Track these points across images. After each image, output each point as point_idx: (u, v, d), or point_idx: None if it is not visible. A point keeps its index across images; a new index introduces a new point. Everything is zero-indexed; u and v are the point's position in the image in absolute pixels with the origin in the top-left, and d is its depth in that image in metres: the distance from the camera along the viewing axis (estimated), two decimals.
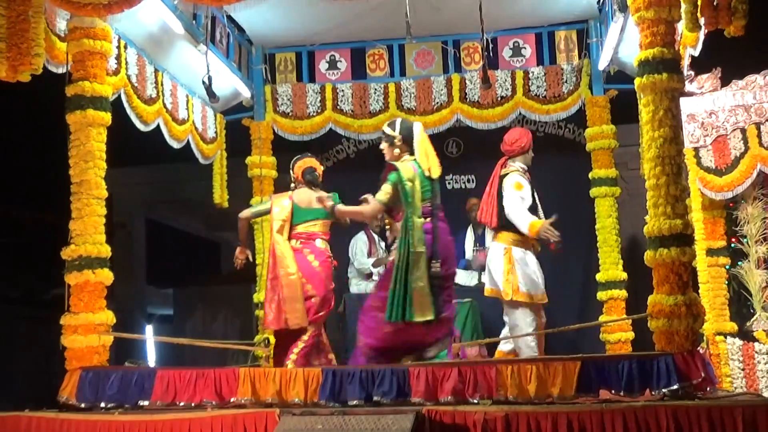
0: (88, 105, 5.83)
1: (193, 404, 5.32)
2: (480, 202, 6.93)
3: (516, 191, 6.56)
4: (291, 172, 6.71)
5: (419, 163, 5.80)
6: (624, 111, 8.24)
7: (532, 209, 6.59)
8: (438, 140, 9.43)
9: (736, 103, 6.90)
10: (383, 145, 6.00)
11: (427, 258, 5.63)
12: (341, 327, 8.61)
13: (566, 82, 8.61)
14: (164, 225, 14.63)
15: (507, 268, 6.55)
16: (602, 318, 8.18)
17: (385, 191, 5.78)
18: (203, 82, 7.05)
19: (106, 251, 5.84)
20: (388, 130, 5.97)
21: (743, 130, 6.88)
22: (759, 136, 6.80)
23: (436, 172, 5.84)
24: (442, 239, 5.78)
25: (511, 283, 6.53)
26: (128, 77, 6.64)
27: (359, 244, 9.20)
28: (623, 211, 8.86)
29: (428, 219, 5.74)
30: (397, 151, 5.88)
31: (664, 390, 4.79)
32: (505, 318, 6.66)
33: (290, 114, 8.91)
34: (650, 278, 5.23)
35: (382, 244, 8.16)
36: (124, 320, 9.39)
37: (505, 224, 6.61)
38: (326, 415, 4.81)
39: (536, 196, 6.68)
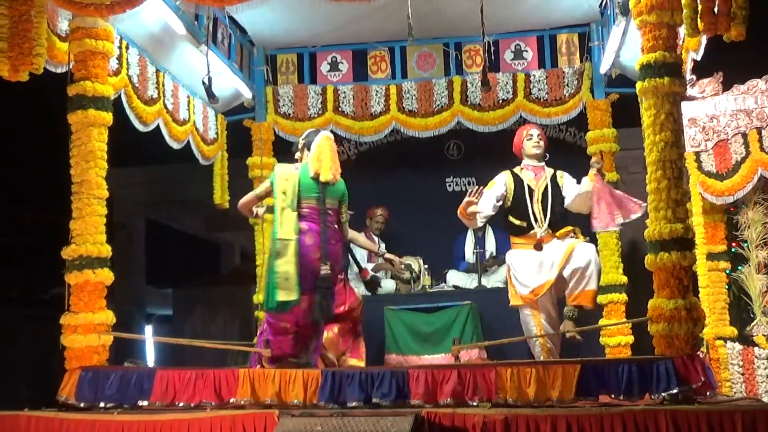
0: (89, 105, 5.83)
1: (192, 405, 5.32)
2: None
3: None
4: None
5: (307, 165, 5.98)
6: (625, 114, 8.24)
7: (515, 209, 6.72)
8: (439, 142, 9.51)
9: (738, 108, 6.91)
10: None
11: (312, 259, 5.75)
12: None
13: (567, 85, 8.61)
14: (164, 225, 14.64)
15: (507, 276, 6.80)
16: (602, 321, 8.17)
17: (262, 184, 6.16)
18: (203, 83, 7.05)
19: (106, 251, 5.84)
20: (297, 138, 6.43)
21: (744, 135, 6.89)
22: (760, 140, 6.81)
23: (325, 176, 5.92)
24: (330, 245, 5.88)
25: (509, 289, 6.76)
26: (129, 77, 6.64)
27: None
28: None
29: (310, 219, 5.85)
30: (298, 154, 6.22)
31: (663, 394, 4.79)
32: None
33: (291, 115, 8.91)
34: (650, 282, 5.23)
35: (383, 246, 8.16)
36: (124, 320, 9.38)
37: (506, 229, 6.80)
38: (325, 417, 4.80)
39: (529, 193, 6.74)
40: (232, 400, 5.30)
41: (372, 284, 6.52)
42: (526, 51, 8.73)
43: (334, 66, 8.96)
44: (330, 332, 6.13)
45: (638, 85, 5.36)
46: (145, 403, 5.42)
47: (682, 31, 5.38)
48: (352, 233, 6.39)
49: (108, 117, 5.95)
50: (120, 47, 6.46)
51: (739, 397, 6.28)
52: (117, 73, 6.42)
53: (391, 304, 8.46)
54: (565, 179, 6.86)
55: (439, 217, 9.35)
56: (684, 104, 6.68)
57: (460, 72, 8.79)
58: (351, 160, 9.94)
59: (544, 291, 6.58)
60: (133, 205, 13.07)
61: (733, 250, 7.22)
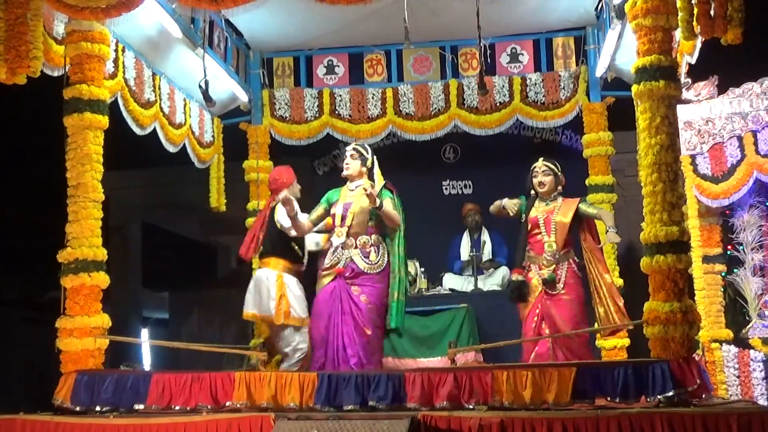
0: (85, 108, 5.84)
1: (188, 408, 5.31)
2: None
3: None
4: None
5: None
6: (621, 118, 8.26)
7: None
8: (435, 146, 9.51)
9: (733, 111, 6.93)
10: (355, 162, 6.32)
11: None
12: None
13: (563, 88, 8.63)
14: (160, 228, 14.61)
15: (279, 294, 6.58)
16: (598, 324, 8.16)
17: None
18: (200, 86, 7.04)
19: (102, 254, 5.84)
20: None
21: (740, 138, 6.90)
22: (755, 143, 6.82)
23: None
24: None
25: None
26: (125, 81, 6.64)
27: None
28: (620, 217, 8.82)
29: None
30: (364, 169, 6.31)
31: (659, 397, 4.80)
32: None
33: (288, 118, 8.92)
34: (646, 285, 5.24)
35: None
36: (120, 323, 9.37)
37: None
38: (321, 420, 4.81)
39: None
40: (228, 404, 5.31)
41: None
42: (522, 54, 8.75)
43: (330, 69, 8.96)
44: None
45: (634, 88, 5.38)
46: (141, 406, 5.41)
47: (678, 34, 5.40)
48: None
49: (104, 120, 5.95)
50: (116, 50, 6.45)
51: (735, 400, 6.28)
52: (113, 76, 6.42)
53: None
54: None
55: (435, 221, 9.36)
56: (679, 107, 6.68)
57: (457, 75, 8.81)
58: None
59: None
60: (129, 208, 13.02)
61: (728, 252, 7.24)
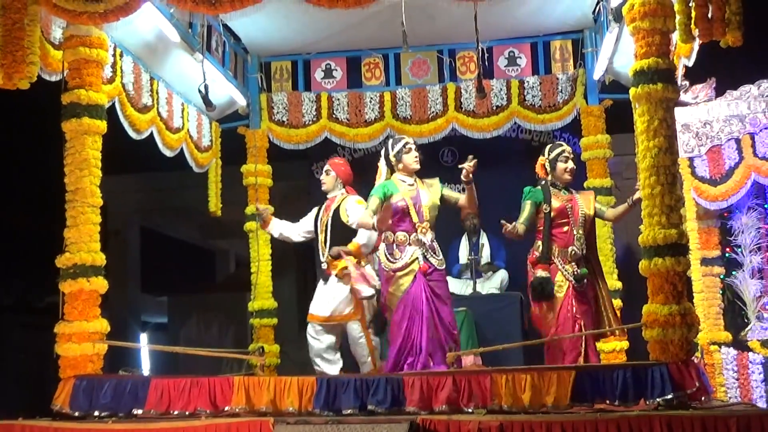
0: (83, 113, 5.83)
1: (187, 413, 5.31)
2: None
3: None
4: None
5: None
6: (619, 121, 8.26)
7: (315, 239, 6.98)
8: (433, 149, 9.48)
9: (731, 113, 6.94)
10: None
11: None
12: None
13: (561, 91, 8.63)
14: (159, 233, 14.61)
15: None
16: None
17: None
18: (200, 91, 7.04)
19: (100, 259, 5.84)
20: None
21: (737, 140, 6.91)
22: (753, 146, 6.84)
23: None
24: None
25: None
26: (123, 85, 6.63)
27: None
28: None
29: None
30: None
31: (658, 399, 4.80)
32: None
33: (286, 122, 8.91)
34: (645, 287, 5.24)
35: None
36: (119, 328, 9.36)
37: None
38: (320, 424, 4.81)
39: (316, 222, 6.98)
40: (227, 408, 5.30)
41: None
42: (520, 57, 8.75)
43: (328, 73, 8.96)
44: None
45: (632, 91, 5.37)
46: (140, 411, 5.41)
47: (675, 37, 5.40)
48: None
49: (102, 125, 5.95)
50: (114, 55, 6.45)
51: (734, 402, 6.28)
52: (111, 81, 6.41)
53: None
54: (348, 206, 6.74)
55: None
56: (677, 110, 6.69)
57: (454, 79, 8.80)
58: None
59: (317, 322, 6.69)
60: (127, 212, 13.03)
61: (727, 255, 7.24)
